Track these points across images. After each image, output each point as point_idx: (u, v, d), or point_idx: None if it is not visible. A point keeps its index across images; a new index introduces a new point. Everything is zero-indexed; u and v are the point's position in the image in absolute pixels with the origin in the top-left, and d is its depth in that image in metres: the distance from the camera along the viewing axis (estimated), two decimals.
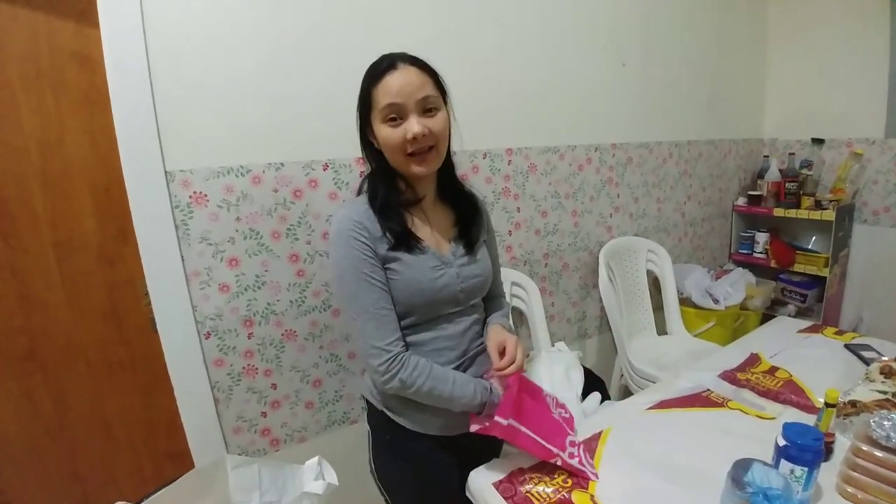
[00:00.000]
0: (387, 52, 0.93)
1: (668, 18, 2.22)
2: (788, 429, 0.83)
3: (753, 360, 1.38)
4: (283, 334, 1.42)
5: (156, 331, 1.25)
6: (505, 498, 0.89)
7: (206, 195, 1.25)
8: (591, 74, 1.97)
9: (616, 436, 1.06)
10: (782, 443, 0.82)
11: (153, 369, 1.33)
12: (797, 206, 2.53)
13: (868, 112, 2.50)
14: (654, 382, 1.58)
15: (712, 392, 1.22)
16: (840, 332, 1.53)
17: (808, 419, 0.99)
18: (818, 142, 2.65)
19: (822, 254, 2.54)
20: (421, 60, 0.92)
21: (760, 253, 2.71)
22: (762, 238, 2.70)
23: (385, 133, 0.89)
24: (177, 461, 1.41)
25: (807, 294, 2.65)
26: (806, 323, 1.65)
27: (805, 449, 0.80)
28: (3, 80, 1.14)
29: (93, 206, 1.27)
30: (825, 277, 2.49)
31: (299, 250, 1.41)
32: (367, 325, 0.90)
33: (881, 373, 1.16)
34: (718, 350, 1.61)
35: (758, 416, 1.11)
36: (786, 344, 1.47)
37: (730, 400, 1.18)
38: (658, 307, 2.27)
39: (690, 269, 2.38)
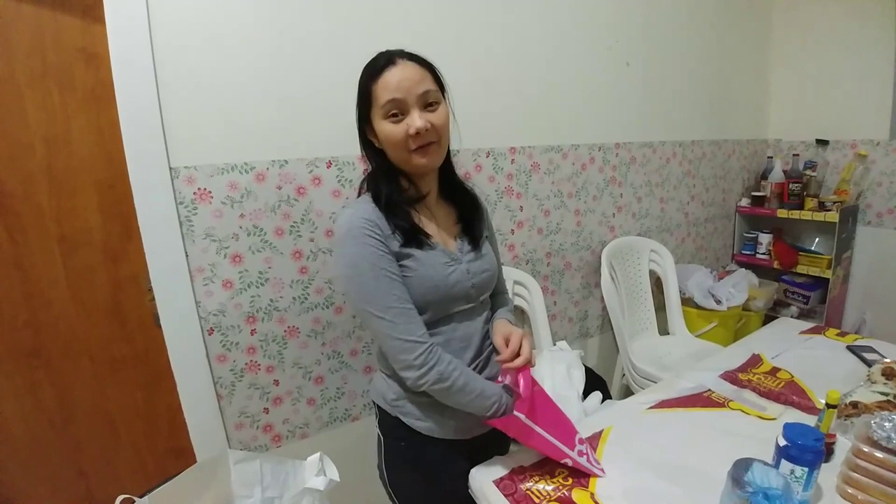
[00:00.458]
0: (389, 48, 0.93)
1: (673, 19, 2.21)
2: (789, 429, 0.83)
3: (755, 360, 1.38)
4: (285, 331, 1.42)
5: (159, 326, 1.26)
6: (505, 495, 0.89)
7: (210, 192, 1.26)
8: (594, 74, 1.97)
9: (617, 435, 1.07)
10: (783, 443, 0.83)
11: (156, 365, 1.34)
12: (801, 207, 2.53)
13: (873, 113, 2.49)
14: (655, 382, 1.58)
15: (713, 392, 1.22)
16: (842, 334, 1.53)
17: (810, 420, 0.99)
18: (822, 143, 2.64)
19: (825, 255, 2.54)
20: (418, 56, 0.91)
21: (763, 254, 2.71)
22: (765, 239, 2.70)
23: (387, 129, 0.88)
24: (179, 457, 1.42)
25: (809, 295, 2.64)
26: (808, 324, 1.65)
27: (805, 449, 0.80)
28: (9, 75, 1.15)
29: (98, 202, 1.28)
30: (828, 279, 2.49)
31: (302, 247, 1.41)
32: (396, 320, 0.87)
33: (883, 374, 1.16)
34: (720, 350, 1.61)
35: (759, 416, 1.11)
36: (788, 345, 1.47)
37: (731, 400, 1.18)
38: (660, 307, 2.26)
39: (693, 269, 2.38)
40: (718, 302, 2.27)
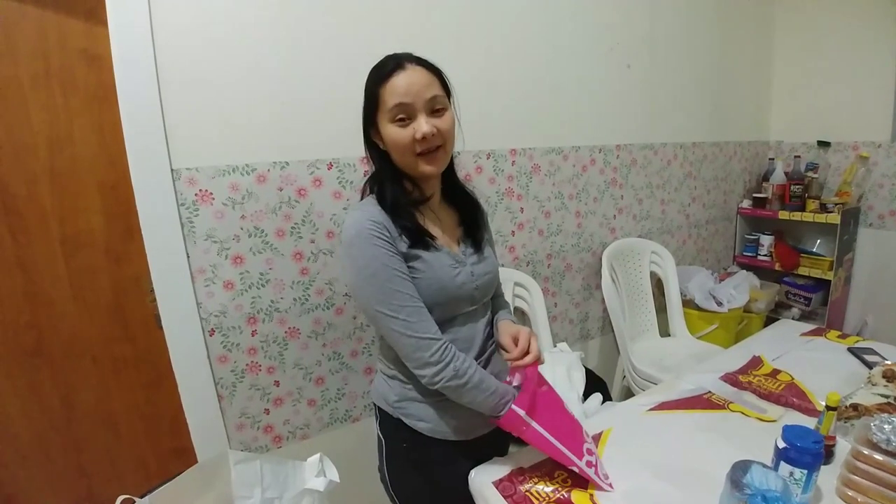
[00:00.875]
0: (392, 52, 0.93)
1: (674, 20, 2.21)
2: (788, 431, 0.83)
3: (755, 362, 1.38)
4: (286, 332, 1.43)
5: (161, 327, 1.27)
6: (504, 496, 0.89)
7: (211, 193, 1.27)
8: (595, 76, 1.97)
9: (616, 436, 1.07)
10: (782, 445, 0.83)
11: (158, 365, 1.34)
12: (802, 208, 2.52)
13: (874, 115, 2.49)
14: (656, 384, 1.58)
15: (714, 394, 1.22)
16: (843, 336, 1.53)
17: (810, 422, 0.99)
18: (824, 144, 2.64)
19: (826, 257, 2.54)
20: (427, 60, 0.92)
21: (765, 255, 2.71)
22: (767, 241, 2.69)
23: (393, 133, 0.88)
24: (181, 457, 1.42)
25: (811, 297, 2.64)
26: (809, 326, 1.64)
27: (804, 451, 0.80)
28: (12, 77, 1.15)
29: (100, 203, 1.28)
30: (830, 281, 2.48)
31: (303, 248, 1.41)
32: (410, 318, 0.87)
33: (884, 376, 1.15)
34: (721, 352, 1.61)
35: (759, 418, 1.11)
36: (788, 347, 1.47)
37: (731, 402, 1.18)
38: (661, 309, 2.26)
39: (694, 271, 2.38)
40: (719, 304, 2.26)
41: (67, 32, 1.19)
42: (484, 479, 0.94)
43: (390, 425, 1.01)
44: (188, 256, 1.26)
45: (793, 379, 1.26)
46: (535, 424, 0.90)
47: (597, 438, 1.05)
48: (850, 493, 0.84)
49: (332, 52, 1.38)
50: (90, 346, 1.33)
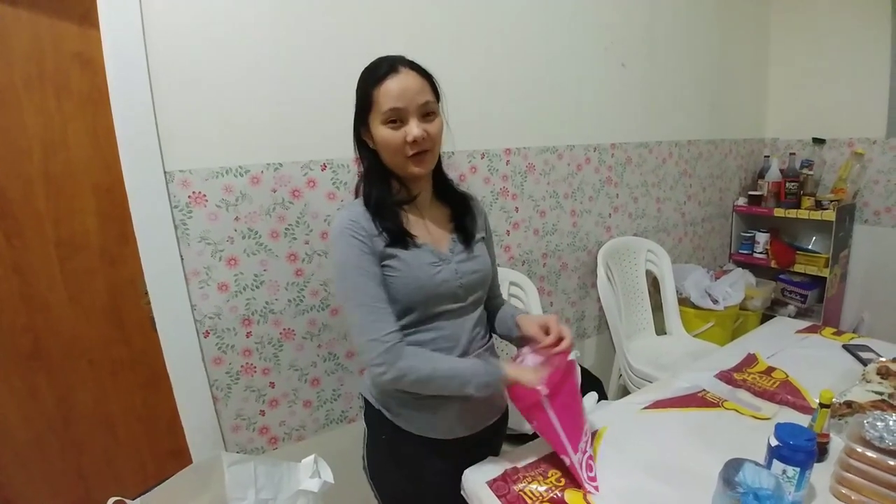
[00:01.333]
0: (385, 53, 0.94)
1: (669, 18, 2.21)
2: (781, 429, 0.84)
3: (750, 360, 1.38)
4: (281, 333, 1.43)
5: (156, 329, 1.27)
6: (498, 496, 0.89)
7: (205, 195, 1.27)
8: (590, 74, 1.97)
9: (611, 435, 1.07)
10: (774, 443, 0.83)
11: (154, 367, 1.34)
12: (798, 206, 2.53)
13: (869, 112, 2.49)
14: (652, 383, 1.58)
15: (708, 392, 1.22)
16: (838, 333, 1.54)
17: (804, 420, 0.99)
18: (819, 142, 2.64)
19: (822, 254, 2.54)
20: (419, 65, 0.94)
21: (761, 253, 2.71)
22: (762, 238, 2.70)
23: (385, 135, 0.91)
24: (178, 458, 1.42)
25: (807, 294, 2.65)
26: (804, 323, 1.65)
27: (797, 449, 0.80)
28: (6, 81, 1.15)
29: (95, 205, 1.28)
30: (825, 278, 2.49)
31: (297, 250, 1.42)
32: (364, 318, 0.90)
33: (878, 373, 1.16)
34: (717, 350, 1.61)
35: (753, 416, 1.12)
36: (784, 344, 1.47)
37: (725, 400, 1.18)
38: (657, 307, 2.27)
39: (690, 269, 2.38)
40: (715, 301, 2.27)
41: (61, 36, 1.19)
42: (478, 479, 0.94)
43: (373, 416, 1.04)
44: (182, 258, 1.26)
45: (787, 376, 1.27)
46: (551, 412, 0.90)
47: (592, 437, 1.05)
48: (843, 490, 0.84)
49: (325, 52, 1.37)
50: (86, 348, 1.33)
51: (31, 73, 1.18)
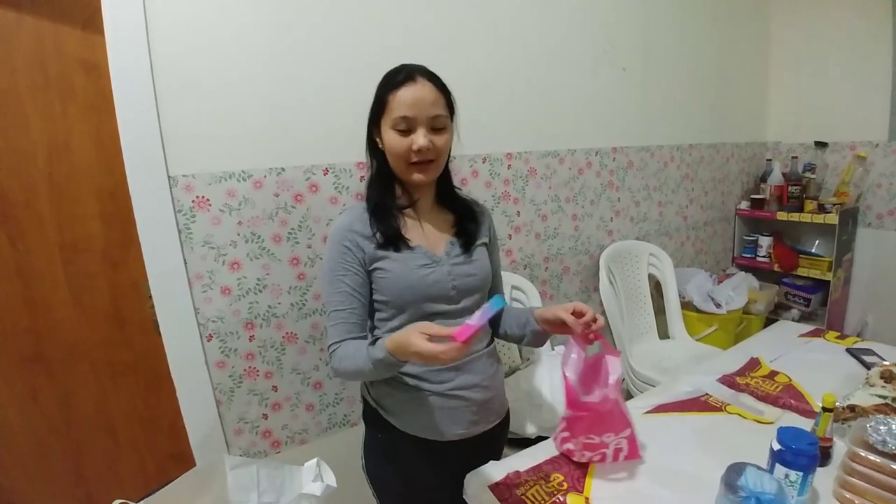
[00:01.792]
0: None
1: (670, 22, 2.22)
2: (783, 433, 0.83)
3: (753, 364, 1.37)
4: (283, 337, 1.43)
5: (159, 333, 1.27)
6: (500, 500, 0.89)
7: (208, 199, 1.27)
8: (590, 78, 1.98)
9: None
10: (777, 447, 0.83)
11: (156, 371, 1.34)
12: (800, 209, 2.53)
13: (871, 115, 2.49)
14: (655, 386, 1.58)
15: (711, 396, 1.22)
16: (842, 337, 1.53)
17: (807, 424, 0.99)
18: (821, 145, 2.64)
19: (825, 257, 2.54)
20: (438, 78, 0.96)
21: (763, 257, 2.71)
22: (765, 242, 2.70)
23: (392, 139, 0.93)
24: (179, 462, 1.42)
25: (810, 298, 2.64)
26: (808, 327, 1.64)
27: (799, 453, 0.80)
28: (11, 86, 1.16)
29: (98, 209, 1.29)
30: (829, 282, 2.48)
31: (300, 254, 1.42)
32: (328, 323, 0.96)
33: (881, 377, 1.15)
34: (719, 354, 1.61)
35: (756, 420, 1.11)
36: (787, 348, 1.47)
37: (728, 404, 1.18)
38: (660, 311, 2.26)
39: (692, 272, 2.38)
40: (718, 305, 2.26)
41: (65, 41, 1.20)
42: (480, 483, 0.94)
43: (369, 414, 1.07)
44: (185, 262, 1.26)
45: (790, 380, 1.26)
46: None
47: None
48: (847, 495, 0.84)
49: (327, 58, 1.38)
50: (89, 351, 1.33)
51: (36, 78, 1.18)
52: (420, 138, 0.91)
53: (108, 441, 1.39)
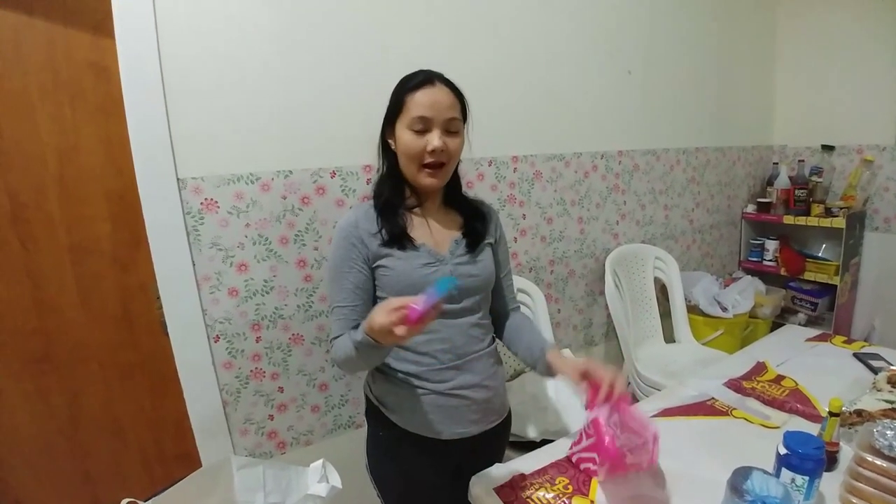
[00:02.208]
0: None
1: (675, 25, 2.22)
2: (789, 437, 0.83)
3: (760, 368, 1.37)
4: (290, 338, 1.44)
5: (166, 334, 1.28)
6: (505, 503, 0.89)
7: (216, 202, 1.28)
8: (596, 82, 1.98)
9: None
10: (783, 451, 0.82)
11: (162, 371, 1.35)
12: (807, 213, 2.51)
13: (879, 118, 2.48)
14: (661, 391, 1.57)
15: (717, 400, 1.22)
16: (849, 341, 1.52)
17: (814, 428, 0.98)
18: (828, 148, 2.63)
19: (832, 261, 2.52)
20: (455, 84, 0.99)
21: (770, 260, 2.69)
22: (772, 245, 2.68)
23: (407, 139, 0.95)
24: (185, 462, 1.43)
25: (817, 302, 2.62)
26: (814, 331, 1.63)
27: (806, 458, 0.80)
28: (21, 89, 1.18)
29: (107, 211, 1.30)
30: (836, 286, 2.47)
31: (307, 256, 1.43)
32: (332, 316, 0.99)
33: (889, 382, 1.15)
34: (725, 358, 1.60)
35: (762, 425, 1.11)
36: (793, 352, 1.46)
37: (734, 409, 1.18)
38: (665, 315, 2.25)
39: (699, 276, 2.37)
40: (724, 309, 2.25)
41: (75, 45, 1.21)
42: (485, 486, 0.94)
43: (372, 412, 1.08)
44: (194, 264, 1.27)
45: (797, 385, 1.26)
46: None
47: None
48: (853, 499, 0.83)
49: (334, 61, 1.39)
50: (97, 352, 1.34)
51: (46, 81, 1.20)
52: (435, 139, 0.94)
53: (114, 441, 1.40)
